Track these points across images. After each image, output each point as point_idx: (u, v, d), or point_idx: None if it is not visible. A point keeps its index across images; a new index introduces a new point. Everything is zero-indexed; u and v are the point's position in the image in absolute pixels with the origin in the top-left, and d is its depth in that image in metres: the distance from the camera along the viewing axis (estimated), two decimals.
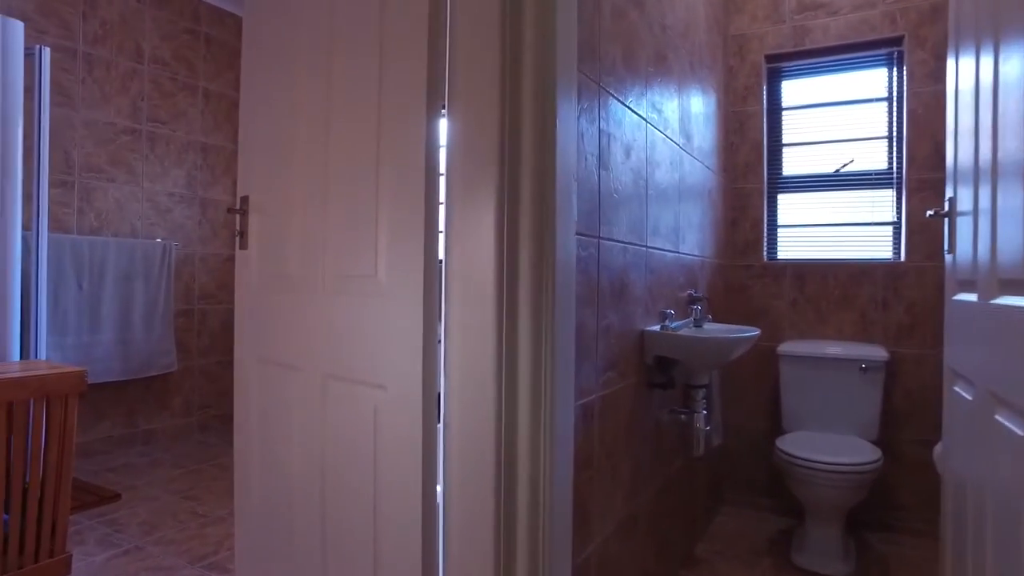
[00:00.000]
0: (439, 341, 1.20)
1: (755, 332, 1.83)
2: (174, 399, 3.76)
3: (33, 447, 2.11)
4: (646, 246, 1.80)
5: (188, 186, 3.81)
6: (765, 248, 2.89)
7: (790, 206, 2.94)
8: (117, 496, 2.84)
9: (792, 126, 2.93)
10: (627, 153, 1.66)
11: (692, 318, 2.05)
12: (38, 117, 2.49)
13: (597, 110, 1.47)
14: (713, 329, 2.01)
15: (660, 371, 1.81)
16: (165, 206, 3.69)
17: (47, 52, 2.50)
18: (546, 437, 1.14)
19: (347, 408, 1.34)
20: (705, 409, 1.87)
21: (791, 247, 2.90)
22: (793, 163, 2.93)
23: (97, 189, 3.37)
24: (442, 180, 1.22)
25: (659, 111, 1.93)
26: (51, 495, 2.19)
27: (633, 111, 1.70)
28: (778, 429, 2.68)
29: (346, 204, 1.35)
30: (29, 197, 3.05)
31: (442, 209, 1.22)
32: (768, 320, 2.80)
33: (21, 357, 2.50)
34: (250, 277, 1.62)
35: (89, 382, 3.38)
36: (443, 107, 1.22)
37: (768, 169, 2.92)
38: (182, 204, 3.78)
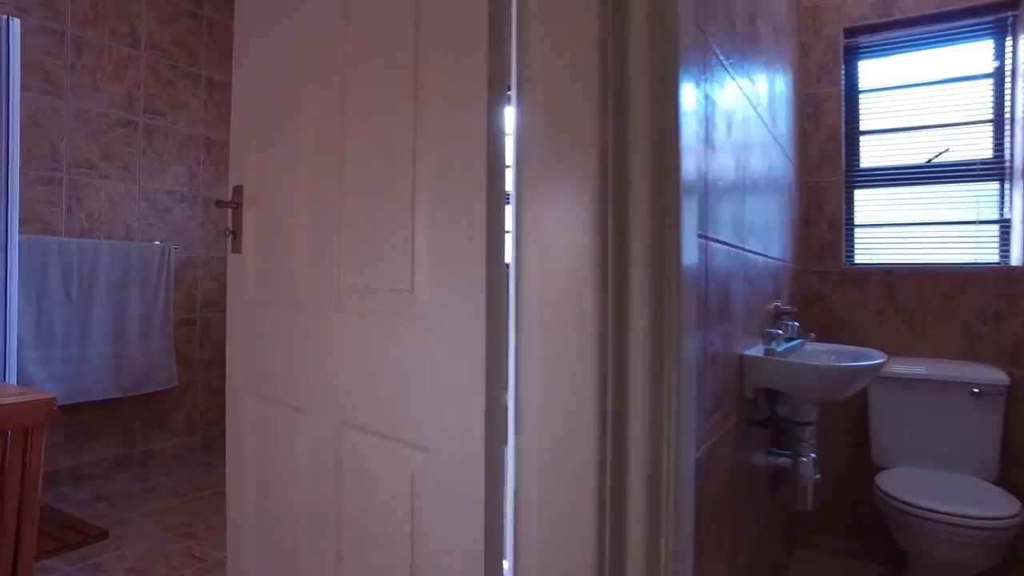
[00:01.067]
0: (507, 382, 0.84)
1: (882, 359, 1.44)
2: (175, 417, 3.43)
3: None
4: (743, 248, 1.43)
5: (189, 184, 3.48)
6: (844, 251, 2.50)
7: (868, 203, 2.55)
8: (104, 534, 2.50)
9: (871, 111, 2.54)
10: (728, 130, 1.29)
11: (786, 337, 1.67)
12: (6, 99, 2.16)
13: (704, 70, 1.11)
14: (819, 352, 1.64)
15: (760, 406, 1.43)
16: (164, 205, 3.36)
17: (16, 23, 2.18)
18: (668, 521, 0.77)
19: (371, 470, 0.98)
20: (814, 452, 1.50)
21: (872, 250, 2.51)
22: (872, 154, 2.54)
23: (88, 186, 3.04)
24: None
25: (752, 81, 1.56)
26: (8, 546, 1.85)
27: (733, 77, 1.33)
28: (865, 461, 2.29)
29: (368, 196, 1.00)
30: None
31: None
32: (849, 334, 2.42)
33: None
34: (245, 289, 1.27)
35: (80, 400, 3.04)
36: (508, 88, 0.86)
37: (846, 160, 2.53)
38: (183, 203, 3.45)
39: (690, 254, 0.83)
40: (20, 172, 2.79)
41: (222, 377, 3.66)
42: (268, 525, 1.22)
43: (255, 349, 1.24)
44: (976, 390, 2.03)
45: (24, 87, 2.79)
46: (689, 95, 0.86)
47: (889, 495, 1.79)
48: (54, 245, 2.85)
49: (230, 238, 1.30)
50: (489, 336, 0.81)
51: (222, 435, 3.65)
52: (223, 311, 3.66)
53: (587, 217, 0.76)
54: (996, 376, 2.03)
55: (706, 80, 1.13)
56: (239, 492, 1.31)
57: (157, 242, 3.29)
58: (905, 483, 1.87)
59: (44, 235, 2.87)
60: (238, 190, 1.28)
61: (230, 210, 1.29)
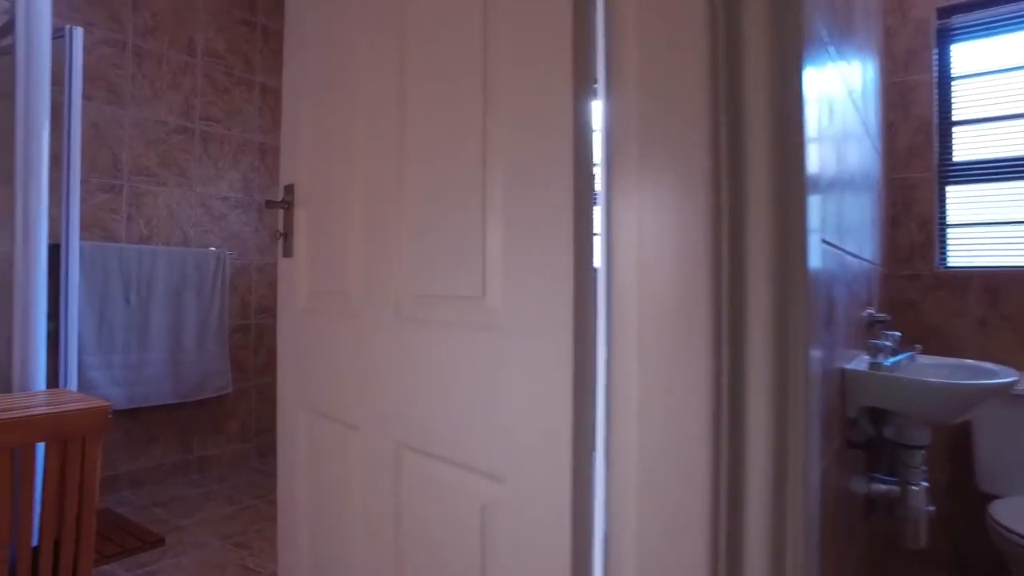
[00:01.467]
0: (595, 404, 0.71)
1: (1014, 376, 1.25)
2: (230, 423, 3.43)
3: (45, 498, 1.75)
4: (843, 250, 1.27)
5: (244, 189, 3.48)
6: (937, 253, 2.28)
7: (961, 200, 2.32)
8: (161, 541, 2.49)
9: (965, 99, 2.31)
10: (830, 118, 1.14)
11: (891, 349, 1.49)
12: (68, 107, 2.16)
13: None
14: (930, 366, 1.45)
15: (862, 426, 1.27)
16: (219, 211, 3.37)
17: (79, 32, 2.18)
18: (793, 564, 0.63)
19: (435, 498, 0.88)
20: (925, 480, 1.32)
21: (968, 252, 2.28)
22: (966, 146, 2.31)
23: (147, 193, 3.07)
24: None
25: (849, 65, 1.39)
26: (69, 555, 1.83)
27: (833, 58, 1.18)
28: (967, 487, 2.07)
29: (431, 194, 0.90)
30: (82, 202, 2.78)
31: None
32: (944, 344, 2.19)
33: (50, 384, 2.17)
34: (296, 295, 1.19)
35: (139, 405, 3.06)
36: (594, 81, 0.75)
37: (939, 154, 2.31)
38: (237, 209, 3.45)
39: (815, 258, 0.69)
40: (84, 180, 2.83)
41: (276, 384, 3.65)
42: (321, 549, 1.13)
43: (306, 360, 1.16)
44: None
45: (88, 97, 2.83)
46: (812, 75, 0.73)
47: (1010, 530, 1.58)
48: (115, 251, 2.88)
49: (281, 241, 1.22)
50: (577, 350, 0.69)
51: (275, 442, 3.64)
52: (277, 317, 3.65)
53: (698, 218, 0.63)
54: None
55: (811, 60, 0.99)
56: (289, 511, 1.22)
57: (212, 248, 3.30)
58: None
59: (106, 242, 2.90)
60: (289, 189, 1.20)
61: (281, 211, 1.21)
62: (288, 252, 1.21)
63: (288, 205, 1.19)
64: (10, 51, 2.05)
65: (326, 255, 1.11)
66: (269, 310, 3.60)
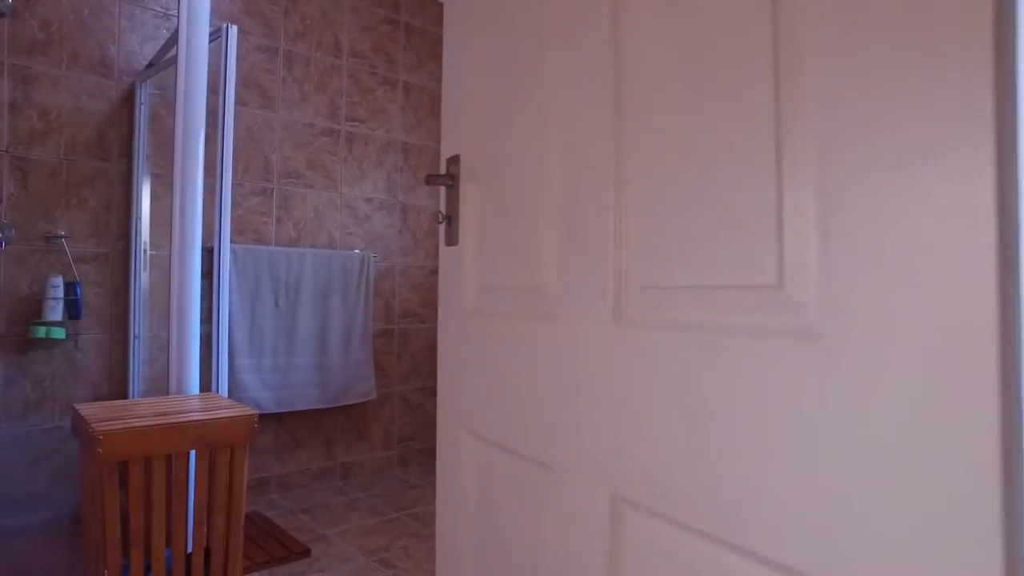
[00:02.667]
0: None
1: None
2: (373, 429, 3.36)
3: (196, 506, 1.67)
4: None
5: (388, 190, 3.41)
6: None
7: None
8: (307, 552, 2.41)
9: None
10: None
11: None
12: (223, 107, 2.13)
13: None
14: None
15: None
16: (363, 213, 3.32)
17: (234, 30, 2.14)
18: None
19: None
20: None
21: None
22: None
23: (295, 196, 3.06)
24: None
25: None
26: (219, 563, 1.74)
27: None
28: None
29: (674, 141, 0.61)
30: (236, 205, 2.82)
31: None
32: None
33: (203, 387, 2.14)
34: (462, 292, 0.95)
35: (286, 410, 3.06)
36: None
37: None
38: (381, 211, 3.39)
39: None
40: (237, 184, 2.86)
41: (420, 390, 3.55)
42: None
43: (474, 373, 0.92)
44: None
45: (243, 103, 2.86)
46: None
47: None
48: (264, 254, 2.88)
49: (443, 226, 0.99)
50: (1005, 385, 0.37)
51: (419, 451, 3.53)
52: (422, 322, 3.55)
53: None
54: None
55: None
56: (452, 560, 0.98)
57: (357, 250, 3.25)
58: None
59: (257, 244, 2.91)
60: (453, 161, 0.97)
61: (443, 189, 0.99)
62: (452, 240, 0.97)
63: (453, 180, 0.96)
64: (172, 62, 2.04)
65: (505, 241, 0.86)
66: (413, 314, 3.51)
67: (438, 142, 3.60)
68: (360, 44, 3.30)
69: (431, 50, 3.58)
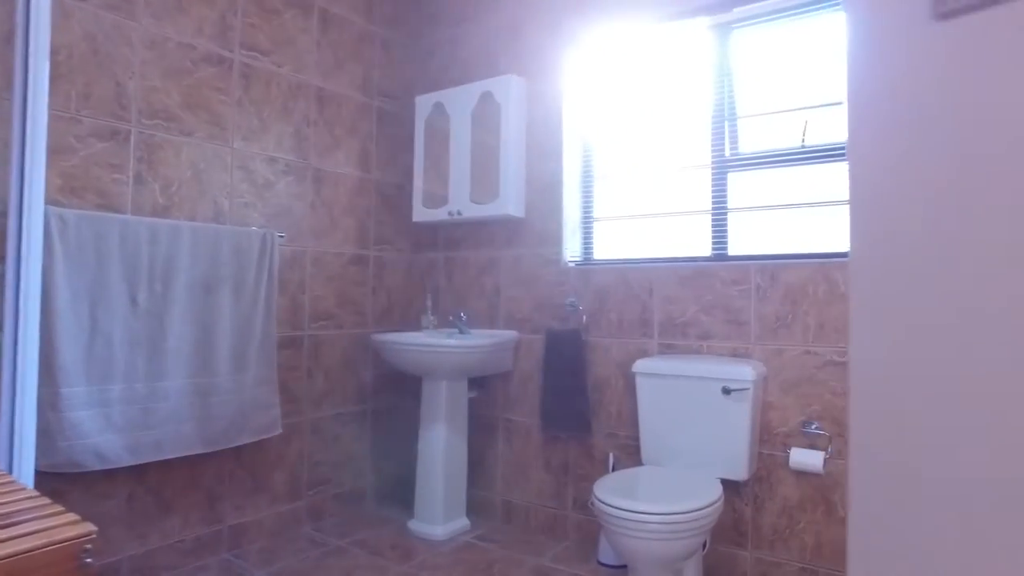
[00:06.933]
0: None
1: None
2: (275, 476, 2.44)
3: None
4: None
5: (297, 149, 2.52)
6: None
7: None
8: None
9: None
10: None
11: None
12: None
13: None
14: None
15: None
16: (264, 177, 2.41)
17: None
18: None
19: None
20: None
21: None
22: None
23: (164, 145, 2.10)
24: None
25: None
26: None
27: None
28: None
29: None
30: (67, 150, 1.79)
31: None
32: None
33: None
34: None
35: (148, 460, 2.01)
36: None
37: None
38: (288, 176, 2.49)
39: None
40: (69, 117, 1.87)
41: (335, 417, 2.66)
42: None
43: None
44: None
45: None
46: None
47: None
48: (115, 226, 1.91)
49: None
50: None
51: (335, 499, 2.65)
52: (339, 326, 2.67)
53: None
54: None
55: None
56: None
57: (255, 228, 2.33)
58: None
59: (103, 212, 1.93)
60: None
61: None
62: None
63: None
64: None
65: None
66: (329, 316, 2.62)
67: (362, 91, 2.75)
68: None
69: None
